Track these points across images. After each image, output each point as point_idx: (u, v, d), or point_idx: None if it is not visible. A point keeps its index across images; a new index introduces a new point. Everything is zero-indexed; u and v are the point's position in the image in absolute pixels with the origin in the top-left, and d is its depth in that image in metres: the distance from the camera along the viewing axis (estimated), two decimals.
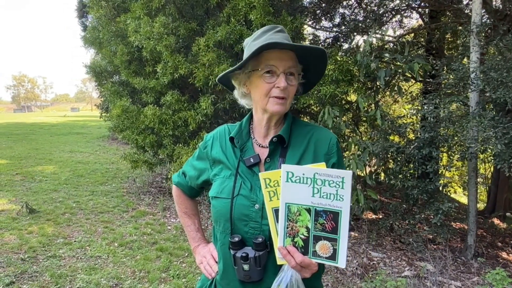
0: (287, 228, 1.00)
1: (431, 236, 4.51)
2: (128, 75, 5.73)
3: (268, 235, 1.09)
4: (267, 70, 1.11)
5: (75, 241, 4.30)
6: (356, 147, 4.28)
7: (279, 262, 1.02)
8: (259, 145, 1.21)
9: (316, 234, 0.98)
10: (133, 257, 3.97)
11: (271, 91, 1.12)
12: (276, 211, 1.01)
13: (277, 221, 1.01)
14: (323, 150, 1.16)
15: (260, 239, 1.08)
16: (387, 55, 4.48)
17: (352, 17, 6.85)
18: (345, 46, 6.03)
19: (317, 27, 6.96)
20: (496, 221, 6.33)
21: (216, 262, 1.25)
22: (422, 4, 6.70)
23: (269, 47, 1.08)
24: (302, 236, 0.99)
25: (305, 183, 0.98)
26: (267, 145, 1.18)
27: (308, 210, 0.98)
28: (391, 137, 4.74)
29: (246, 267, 1.09)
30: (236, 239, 1.10)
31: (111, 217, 5.21)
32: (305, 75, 1.21)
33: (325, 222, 0.97)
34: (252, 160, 1.15)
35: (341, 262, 0.97)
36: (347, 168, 3.79)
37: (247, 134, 1.23)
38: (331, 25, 6.89)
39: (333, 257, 0.97)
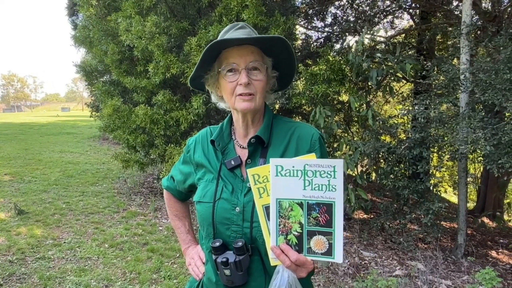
0: (279, 225, 0.95)
1: (421, 236, 4.55)
2: (119, 74, 5.68)
3: (249, 238, 1.07)
4: (228, 68, 1.10)
5: (64, 242, 4.25)
6: (347, 147, 4.29)
7: (272, 263, 0.98)
8: (240, 146, 1.19)
9: (310, 229, 0.94)
10: (123, 258, 3.94)
11: (236, 89, 1.10)
12: (266, 209, 0.97)
13: (268, 219, 0.96)
14: (305, 147, 1.13)
15: (240, 243, 1.06)
16: (379, 55, 4.50)
17: (344, 17, 6.88)
18: (337, 46, 6.05)
19: (309, 27, 6.98)
20: (485, 220, 6.40)
21: (204, 264, 1.24)
22: (413, 5, 6.76)
23: (214, 46, 1.07)
24: (296, 233, 0.95)
25: (296, 176, 0.94)
26: (247, 147, 1.16)
27: (300, 204, 0.94)
28: (382, 137, 4.76)
29: (227, 272, 1.07)
30: (217, 244, 1.09)
31: (101, 218, 5.16)
32: (279, 68, 1.19)
33: (319, 216, 0.93)
34: (233, 162, 1.14)
35: (338, 257, 0.93)
36: None
37: (228, 136, 1.21)
38: (323, 25, 6.90)
39: (329, 252, 0.93)
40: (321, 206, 0.93)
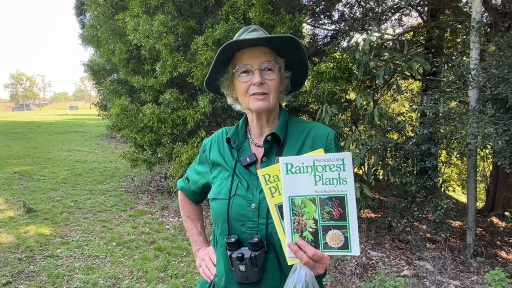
0: (294, 223, 0.95)
1: (429, 236, 4.50)
2: (127, 73, 5.70)
3: (265, 235, 1.07)
4: (242, 70, 1.12)
5: (72, 240, 4.28)
6: (354, 144, 4.26)
7: (289, 262, 0.97)
8: (256, 145, 1.20)
9: (325, 224, 0.94)
10: (131, 256, 3.95)
11: (249, 89, 1.12)
12: (280, 208, 0.97)
13: (282, 218, 0.96)
14: (320, 146, 1.13)
15: (256, 239, 1.06)
16: (386, 53, 4.46)
17: (351, 15, 6.83)
18: (344, 44, 6.00)
19: (316, 25, 6.93)
20: (495, 219, 6.32)
21: (215, 265, 1.24)
22: (422, 2, 6.68)
23: (227, 47, 1.09)
24: (310, 229, 0.95)
25: (306, 172, 0.95)
26: (263, 144, 1.17)
27: (313, 200, 0.94)
28: (390, 135, 4.72)
29: (242, 268, 1.07)
30: (232, 239, 1.09)
31: (109, 216, 5.19)
32: (292, 68, 1.21)
33: (332, 210, 0.93)
34: (248, 159, 1.15)
35: (355, 250, 0.93)
36: None
37: (244, 135, 1.23)
38: (329, 21, 6.86)
39: (345, 246, 0.93)
40: (333, 200, 0.94)
